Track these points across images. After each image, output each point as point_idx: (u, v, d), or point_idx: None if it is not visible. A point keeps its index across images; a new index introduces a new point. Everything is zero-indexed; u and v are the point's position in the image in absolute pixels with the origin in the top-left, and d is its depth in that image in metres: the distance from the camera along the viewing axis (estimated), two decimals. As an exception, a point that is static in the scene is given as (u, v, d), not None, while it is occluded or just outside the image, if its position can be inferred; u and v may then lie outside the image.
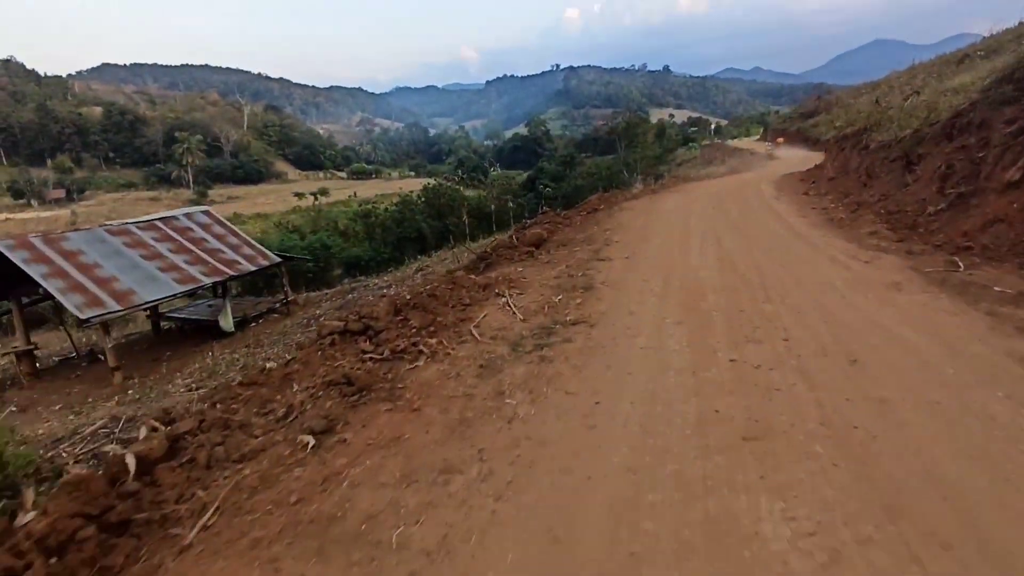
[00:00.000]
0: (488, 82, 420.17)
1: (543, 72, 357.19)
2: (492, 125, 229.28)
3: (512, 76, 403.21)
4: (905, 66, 26.20)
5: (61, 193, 77.26)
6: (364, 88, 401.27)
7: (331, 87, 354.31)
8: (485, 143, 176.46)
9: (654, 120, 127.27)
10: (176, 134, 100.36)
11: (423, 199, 27.10)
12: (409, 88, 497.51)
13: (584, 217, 13.77)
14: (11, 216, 64.15)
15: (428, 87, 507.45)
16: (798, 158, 27.67)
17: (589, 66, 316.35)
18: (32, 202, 73.24)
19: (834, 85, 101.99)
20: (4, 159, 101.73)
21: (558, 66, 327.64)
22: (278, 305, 17.86)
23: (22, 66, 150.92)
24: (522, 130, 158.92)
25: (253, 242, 19.02)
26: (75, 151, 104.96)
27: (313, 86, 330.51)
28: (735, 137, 76.59)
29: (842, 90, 45.10)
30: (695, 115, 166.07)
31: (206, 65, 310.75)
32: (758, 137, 69.15)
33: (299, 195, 71.89)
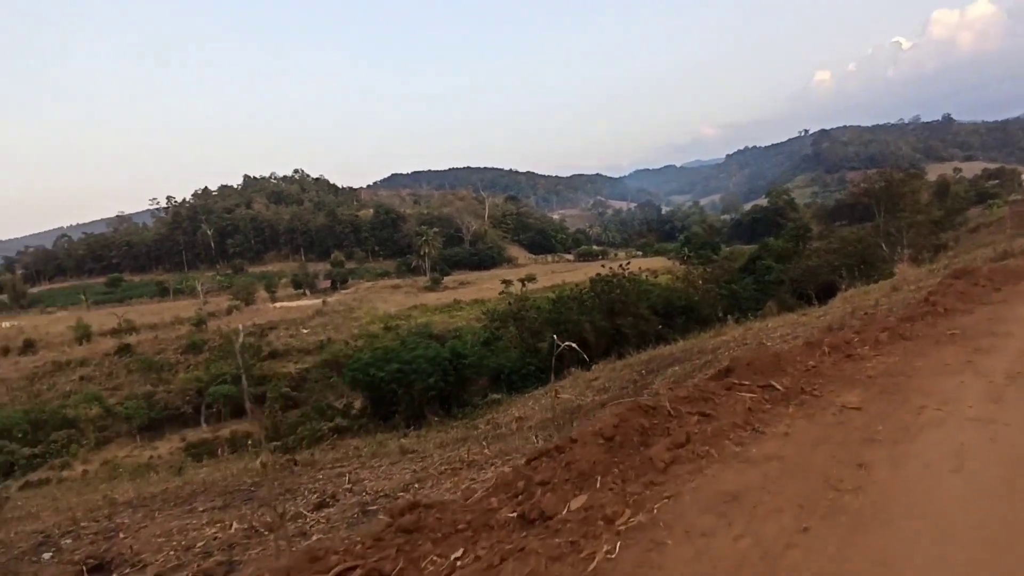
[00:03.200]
0: (728, 155, 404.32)
1: (788, 139, 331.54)
2: (729, 198, 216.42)
3: (754, 147, 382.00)
4: None
5: (327, 284, 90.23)
6: (603, 173, 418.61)
7: (572, 175, 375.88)
8: (722, 217, 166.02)
9: (933, 177, 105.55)
10: (418, 228, 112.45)
11: (589, 293, 22.54)
12: (647, 170, 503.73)
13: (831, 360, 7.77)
14: (286, 304, 75.86)
15: (666, 167, 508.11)
16: None
17: (844, 126, 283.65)
18: (306, 291, 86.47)
19: None
20: (303, 255, 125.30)
21: (806, 131, 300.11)
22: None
23: (327, 181, 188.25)
24: (762, 202, 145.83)
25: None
26: (350, 247, 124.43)
27: (556, 175, 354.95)
28: None
29: None
30: (993, 166, 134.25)
31: (467, 167, 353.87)
32: None
33: (506, 282, 72.49)
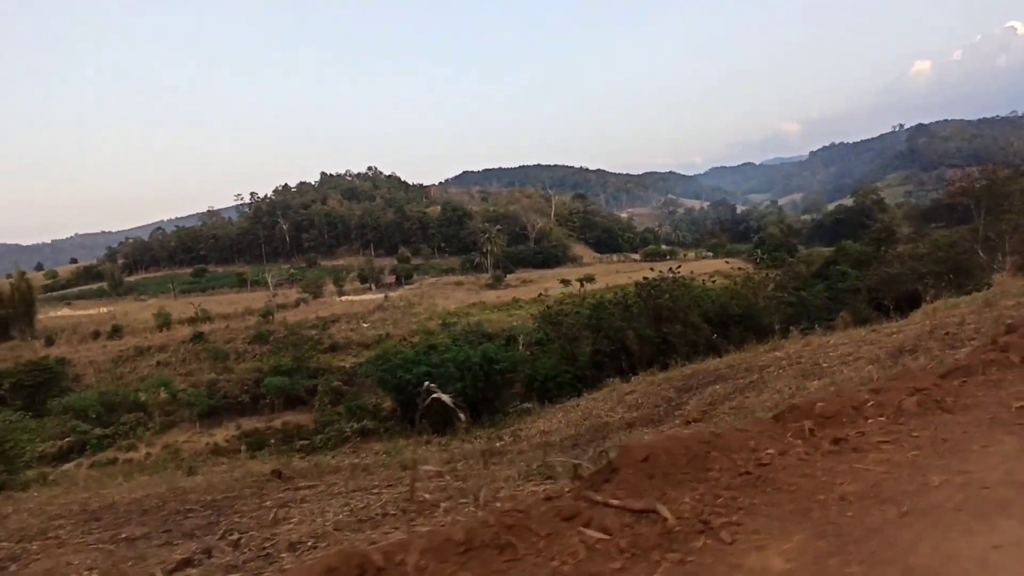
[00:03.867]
0: (812, 152, 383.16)
1: (880, 135, 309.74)
2: (811, 197, 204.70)
3: (841, 144, 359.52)
4: None
5: (392, 279, 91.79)
6: (677, 171, 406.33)
7: (644, 173, 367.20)
8: (802, 218, 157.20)
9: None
10: (481, 225, 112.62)
11: (635, 299, 20.93)
12: (724, 167, 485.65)
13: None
14: (351, 297, 77.70)
15: (744, 164, 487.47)
16: None
17: (944, 121, 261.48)
18: (371, 286, 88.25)
19: None
20: (372, 251, 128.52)
21: (901, 126, 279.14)
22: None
23: (398, 179, 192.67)
24: (847, 201, 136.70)
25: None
26: (417, 243, 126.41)
27: (627, 173, 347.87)
28: None
29: None
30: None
31: (538, 164, 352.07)
32: None
33: (564, 281, 70.98)
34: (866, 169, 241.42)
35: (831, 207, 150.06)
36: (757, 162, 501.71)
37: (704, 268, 69.46)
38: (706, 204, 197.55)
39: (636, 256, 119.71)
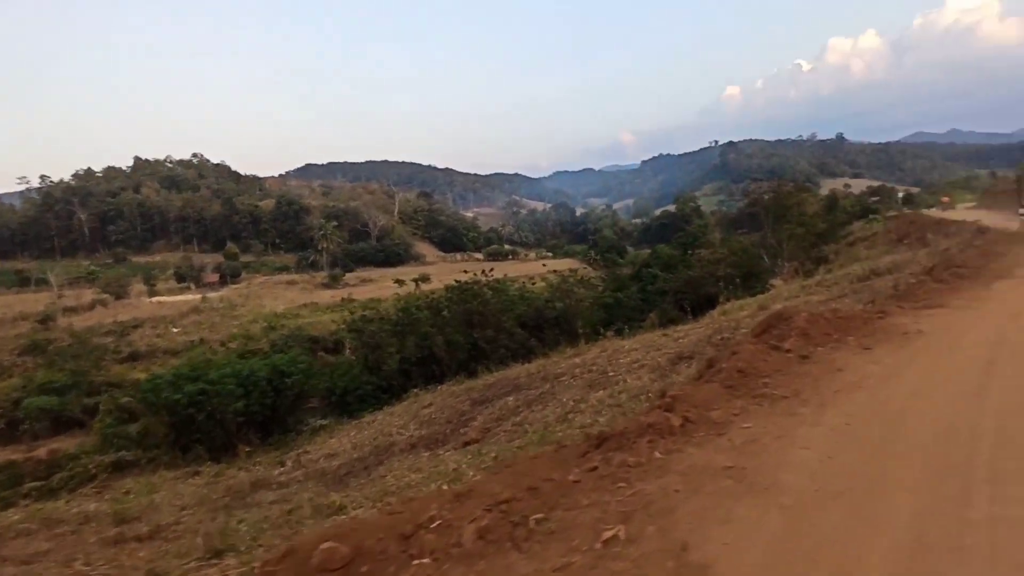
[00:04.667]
0: (644, 161, 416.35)
1: (701, 149, 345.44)
2: (641, 203, 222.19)
3: (668, 155, 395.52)
4: None
5: (215, 278, 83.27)
6: (523, 173, 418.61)
7: (491, 174, 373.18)
8: (633, 221, 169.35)
9: (826, 191, 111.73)
10: (318, 221, 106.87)
11: (446, 303, 20.15)
12: (567, 171, 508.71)
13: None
14: (164, 298, 69.11)
15: (585, 169, 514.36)
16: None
17: (750, 140, 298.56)
18: (191, 285, 79.37)
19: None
20: (195, 246, 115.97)
21: (716, 142, 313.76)
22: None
23: (228, 168, 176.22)
24: (672, 208, 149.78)
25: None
26: (248, 238, 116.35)
27: (475, 173, 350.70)
28: (931, 206, 60.17)
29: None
30: (876, 184, 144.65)
31: (385, 160, 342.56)
32: (972, 205, 53.18)
33: (399, 282, 69.53)
34: (689, 179, 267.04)
35: (658, 212, 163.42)
36: (597, 168, 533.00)
37: (532, 270, 71.63)
38: (548, 206, 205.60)
39: (479, 256, 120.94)
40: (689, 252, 33.17)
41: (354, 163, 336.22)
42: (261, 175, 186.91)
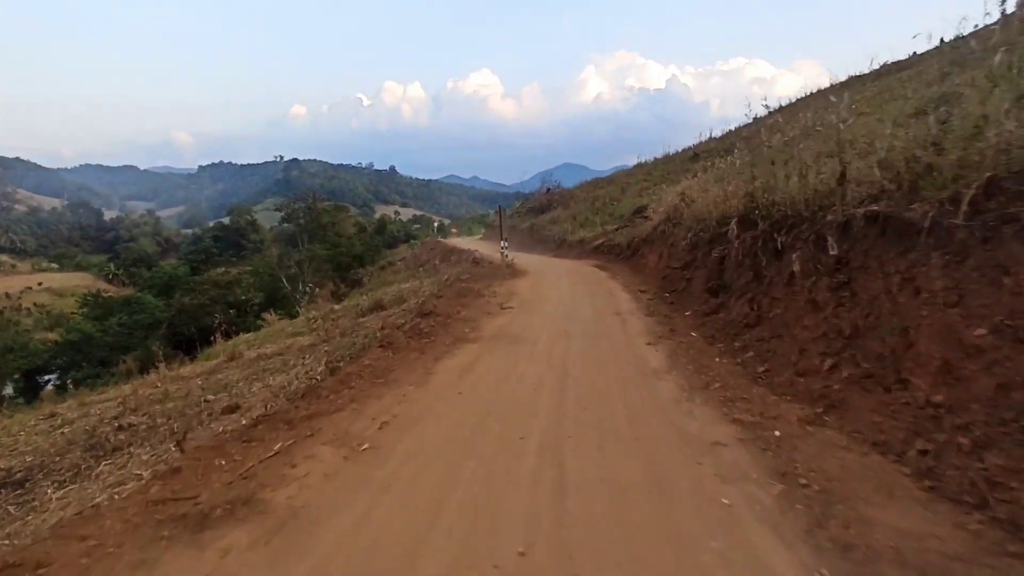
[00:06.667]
0: (201, 167, 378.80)
1: (265, 162, 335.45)
2: (192, 211, 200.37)
3: (231, 163, 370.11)
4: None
5: None
6: (33, 160, 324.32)
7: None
8: (183, 231, 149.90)
9: (379, 215, 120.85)
10: None
11: None
12: (102, 166, 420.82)
13: None
14: None
15: (126, 166, 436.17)
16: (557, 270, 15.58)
17: (315, 160, 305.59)
18: None
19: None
20: None
21: (281, 157, 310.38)
22: None
23: None
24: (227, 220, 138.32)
25: None
26: None
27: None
28: (447, 235, 69.89)
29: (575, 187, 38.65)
30: (420, 213, 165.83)
31: None
32: (481, 236, 63.01)
33: None
34: (251, 191, 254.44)
35: (212, 223, 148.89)
36: (142, 167, 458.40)
37: (16, 286, 55.26)
38: (65, 203, 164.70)
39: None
40: (201, 272, 28.72)
41: None
42: None
